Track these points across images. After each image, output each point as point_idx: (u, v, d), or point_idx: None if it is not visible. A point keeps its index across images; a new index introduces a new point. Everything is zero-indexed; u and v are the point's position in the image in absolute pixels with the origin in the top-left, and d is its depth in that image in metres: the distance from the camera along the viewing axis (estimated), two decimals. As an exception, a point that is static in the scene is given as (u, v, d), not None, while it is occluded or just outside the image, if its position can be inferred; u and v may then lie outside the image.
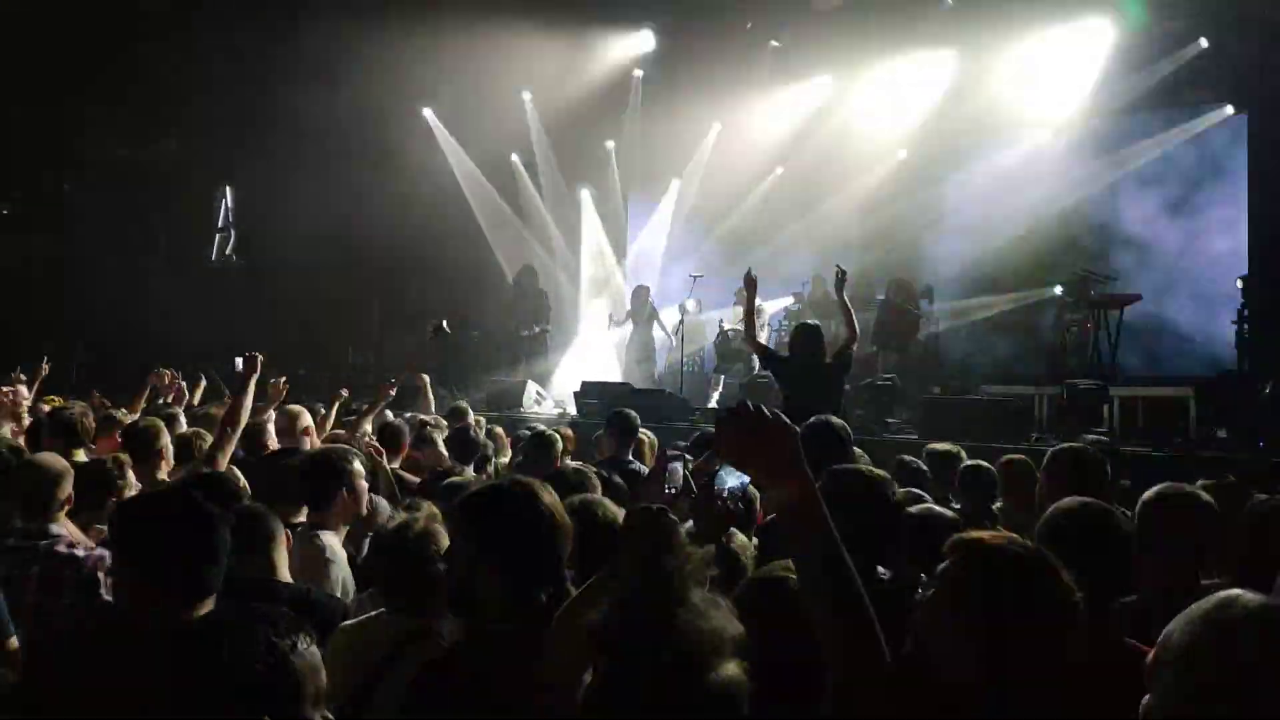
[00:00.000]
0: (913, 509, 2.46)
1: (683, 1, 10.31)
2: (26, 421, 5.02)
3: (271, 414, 4.32)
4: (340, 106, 10.40)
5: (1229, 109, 9.08)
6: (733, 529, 1.96)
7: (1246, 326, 8.17)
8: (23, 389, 5.41)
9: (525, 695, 1.35)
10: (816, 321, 5.17)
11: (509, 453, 4.70)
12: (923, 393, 8.19)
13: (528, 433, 3.87)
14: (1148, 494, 2.16)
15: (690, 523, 2.16)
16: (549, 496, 1.59)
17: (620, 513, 1.71)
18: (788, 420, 1.13)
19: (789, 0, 9.91)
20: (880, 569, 2.08)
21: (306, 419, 4.04)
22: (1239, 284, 8.48)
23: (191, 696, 1.16)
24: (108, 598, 2.46)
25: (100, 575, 2.52)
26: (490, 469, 4.30)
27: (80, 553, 2.53)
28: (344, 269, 11.85)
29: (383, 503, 3.21)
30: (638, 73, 11.29)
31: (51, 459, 2.66)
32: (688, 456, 1.82)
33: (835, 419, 3.25)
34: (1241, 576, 1.98)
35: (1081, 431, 5.90)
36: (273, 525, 2.20)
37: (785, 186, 11.86)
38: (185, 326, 10.87)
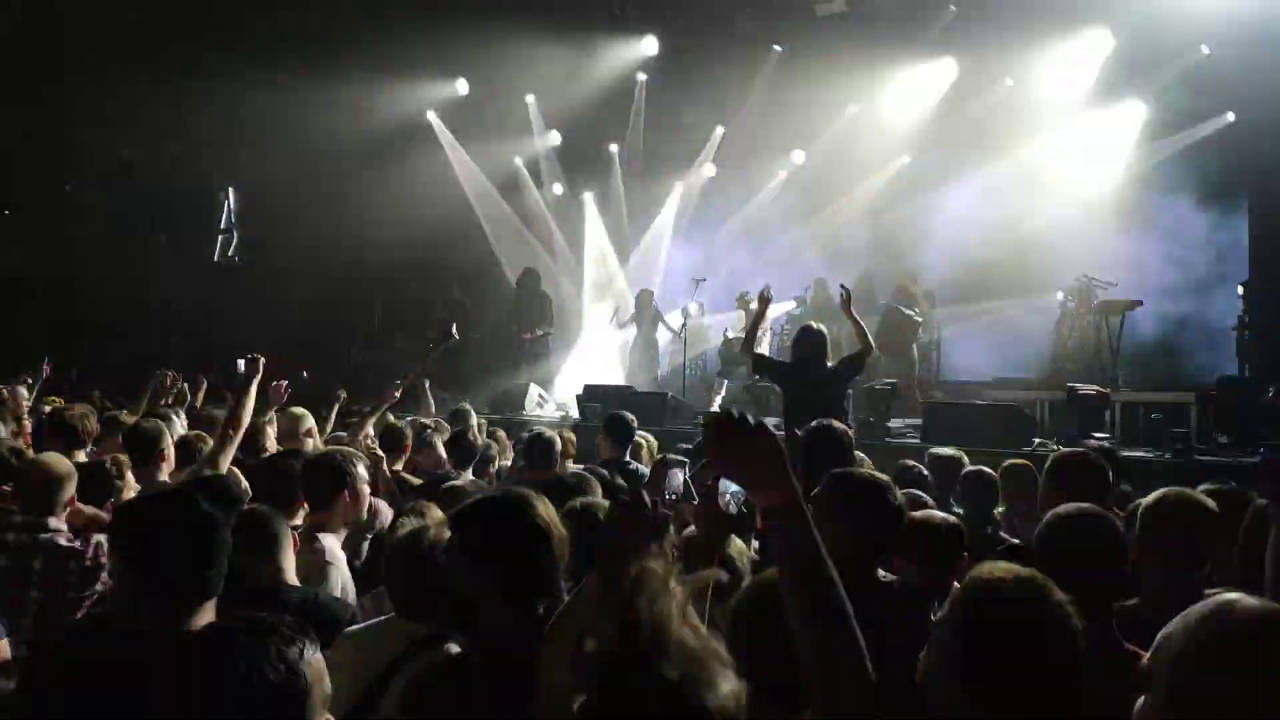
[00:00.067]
0: (915, 513, 2.46)
1: (686, 6, 10.33)
2: (27, 423, 5.03)
3: (273, 416, 4.33)
4: (344, 108, 10.43)
5: (1230, 115, 9.08)
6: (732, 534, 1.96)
7: (1248, 333, 8.18)
8: (22, 390, 5.41)
9: (522, 707, 1.35)
10: (820, 326, 5.17)
11: (511, 455, 4.71)
12: (925, 397, 8.19)
13: (534, 431, 3.85)
14: (1149, 498, 2.16)
15: (692, 528, 2.17)
16: (544, 507, 1.59)
17: None
18: (772, 428, 1.13)
19: (792, 6, 9.92)
20: (882, 572, 2.08)
21: (309, 421, 4.04)
22: (1240, 290, 8.48)
23: (205, 705, 1.16)
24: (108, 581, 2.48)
25: (101, 560, 2.54)
26: (493, 470, 4.31)
27: (80, 545, 2.55)
28: (346, 271, 11.87)
29: (382, 505, 3.21)
30: (641, 76, 11.32)
31: (56, 460, 2.69)
32: (686, 462, 1.82)
33: (837, 423, 3.25)
34: (1242, 580, 1.98)
35: (1083, 436, 5.90)
36: (279, 528, 2.20)
37: (789, 190, 11.88)
38: (187, 328, 10.89)
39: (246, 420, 3.24)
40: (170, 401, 5.39)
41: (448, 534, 1.90)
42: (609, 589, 1.28)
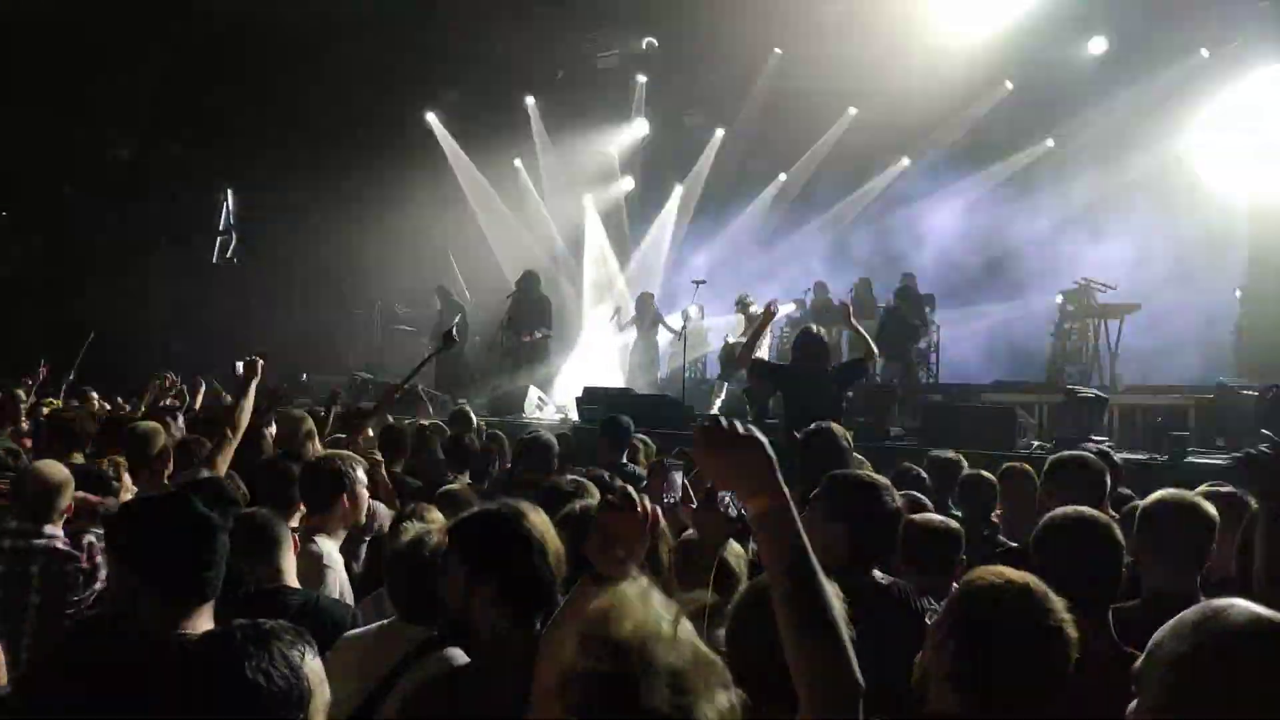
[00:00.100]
0: (913, 516, 2.46)
1: (685, 9, 10.35)
2: (26, 425, 5.03)
3: (272, 418, 4.33)
4: (344, 110, 10.44)
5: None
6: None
7: (1245, 337, 8.19)
8: (20, 393, 5.41)
9: (517, 718, 1.35)
10: (820, 330, 5.20)
11: (510, 458, 4.70)
12: (924, 400, 8.19)
13: (532, 434, 3.84)
14: (1147, 500, 2.17)
15: (690, 530, 2.17)
16: (538, 519, 1.59)
17: None
18: (759, 434, 1.13)
19: (793, 7, 9.94)
20: (880, 574, 2.08)
21: (309, 423, 4.03)
22: (1238, 294, 8.50)
23: (208, 709, 1.17)
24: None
25: (98, 561, 2.54)
26: (493, 471, 4.30)
27: (77, 549, 2.55)
28: (345, 273, 11.88)
29: (380, 507, 3.21)
30: (641, 78, 11.34)
31: (54, 468, 2.67)
32: (684, 465, 1.82)
33: (836, 425, 3.26)
34: (1241, 583, 1.99)
35: (1081, 439, 5.90)
36: (280, 531, 2.20)
37: (788, 193, 11.90)
38: (186, 330, 10.88)
39: (245, 422, 3.24)
40: (169, 403, 5.39)
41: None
42: (600, 585, 1.29)
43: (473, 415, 5.58)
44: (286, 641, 1.21)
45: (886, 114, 10.42)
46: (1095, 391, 6.83)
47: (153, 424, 3.56)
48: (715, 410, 9.02)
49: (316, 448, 3.92)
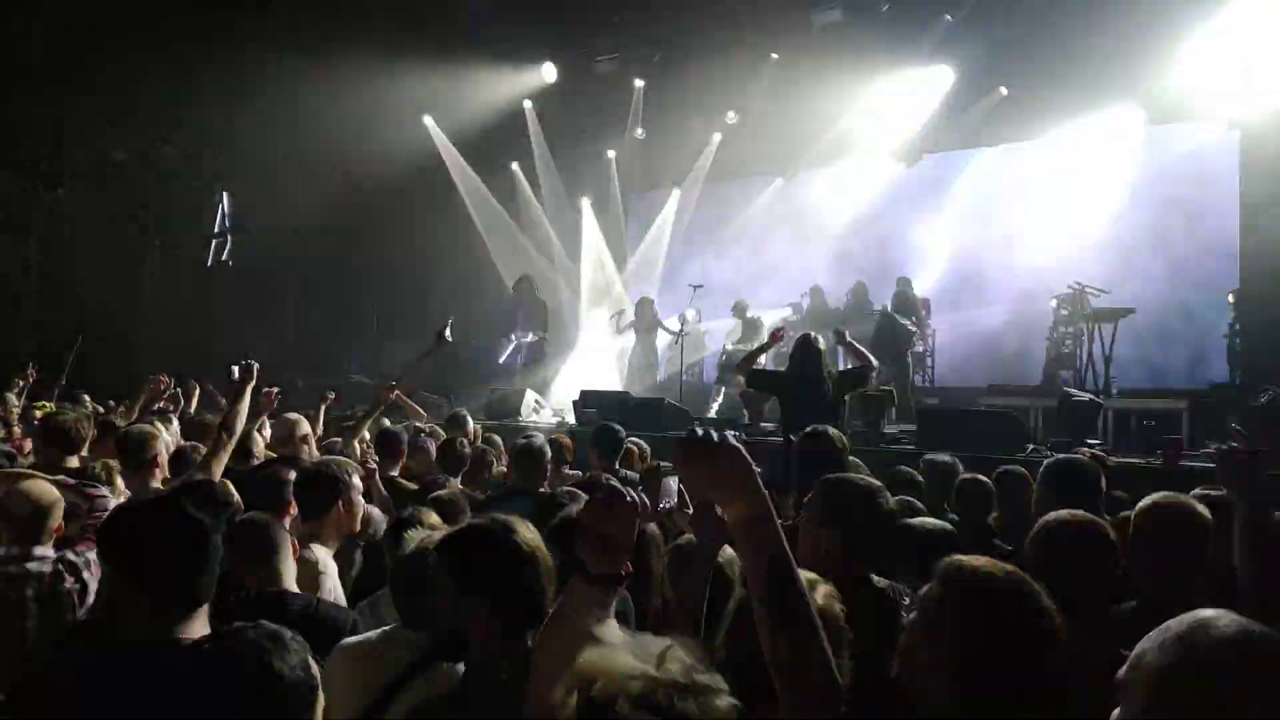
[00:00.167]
0: (910, 520, 2.47)
1: (684, 13, 10.38)
2: (17, 428, 5.00)
3: (266, 422, 4.32)
4: (340, 113, 10.43)
5: (1223, 125, 9.16)
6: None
7: (1239, 340, 8.23)
8: (11, 396, 5.38)
9: None
10: (817, 336, 5.27)
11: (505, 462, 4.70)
12: (919, 404, 8.21)
13: (525, 440, 3.84)
14: (1142, 503, 2.18)
15: (686, 535, 2.16)
16: (528, 533, 1.58)
17: None
18: (737, 443, 1.15)
19: (789, 14, 9.98)
20: (875, 578, 2.08)
21: (305, 427, 4.02)
22: (1230, 298, 8.54)
23: (215, 713, 1.17)
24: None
25: (86, 577, 2.51)
26: (488, 475, 4.30)
27: (69, 565, 2.52)
28: (341, 276, 11.86)
29: (375, 512, 3.20)
30: (639, 83, 11.36)
31: (42, 488, 2.61)
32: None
33: (832, 429, 3.26)
34: (1237, 585, 1.99)
35: (1076, 443, 5.92)
36: (280, 535, 2.19)
37: (785, 197, 11.92)
38: (180, 332, 10.84)
39: (241, 426, 3.23)
40: (161, 406, 5.36)
41: None
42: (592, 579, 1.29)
43: (469, 419, 5.57)
44: (293, 647, 1.22)
45: (882, 118, 10.46)
46: (1089, 395, 6.86)
47: (147, 427, 3.54)
48: (713, 413, 9.03)
49: (312, 451, 3.91)
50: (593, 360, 10.91)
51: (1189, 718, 0.90)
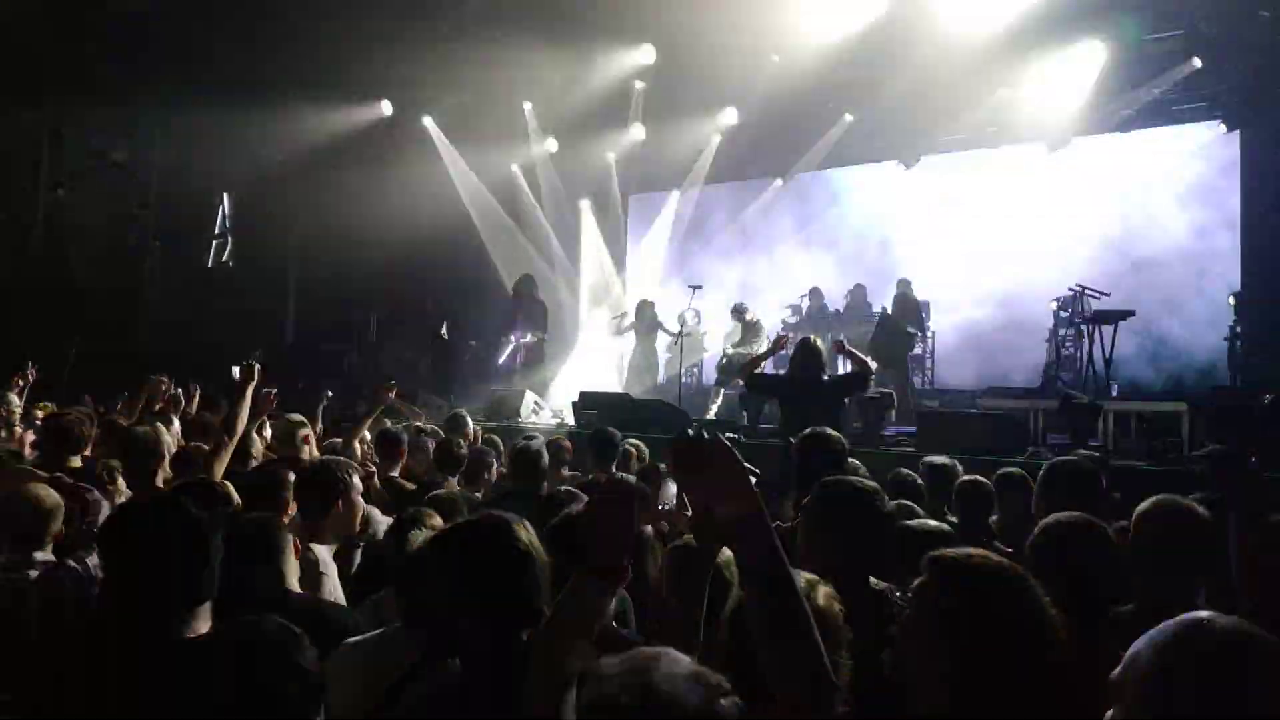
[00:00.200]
0: (909, 522, 2.47)
1: (684, 16, 10.39)
2: (18, 429, 5.00)
3: (267, 423, 4.32)
4: (341, 114, 10.45)
5: (1222, 128, 9.18)
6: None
7: (1239, 343, 8.24)
8: (13, 396, 5.38)
9: None
10: (817, 339, 5.32)
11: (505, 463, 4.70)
12: (919, 407, 8.21)
13: (523, 443, 3.85)
14: (1143, 506, 2.18)
15: (686, 537, 2.17)
16: (524, 532, 1.57)
17: None
18: (729, 445, 1.17)
19: (789, 14, 9.98)
20: (874, 580, 2.08)
21: (306, 428, 4.03)
22: (1231, 301, 8.55)
23: (224, 709, 1.17)
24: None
25: (93, 577, 2.51)
26: (488, 476, 4.30)
27: (71, 562, 2.52)
28: (342, 278, 11.85)
29: (376, 512, 3.21)
30: (639, 84, 11.37)
31: (44, 493, 2.61)
32: None
33: (832, 431, 3.27)
34: (1236, 589, 2.00)
35: (1076, 445, 5.92)
36: (282, 536, 2.20)
37: (785, 199, 11.94)
38: (180, 333, 10.83)
39: (242, 426, 3.23)
40: (161, 408, 5.36)
41: None
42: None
43: (468, 420, 5.58)
44: (302, 644, 1.24)
45: (882, 120, 10.47)
46: (1089, 397, 6.86)
47: (149, 428, 3.54)
48: (712, 415, 9.04)
49: (313, 452, 3.92)
50: (592, 361, 10.92)
51: (1182, 718, 0.90)
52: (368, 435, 4.55)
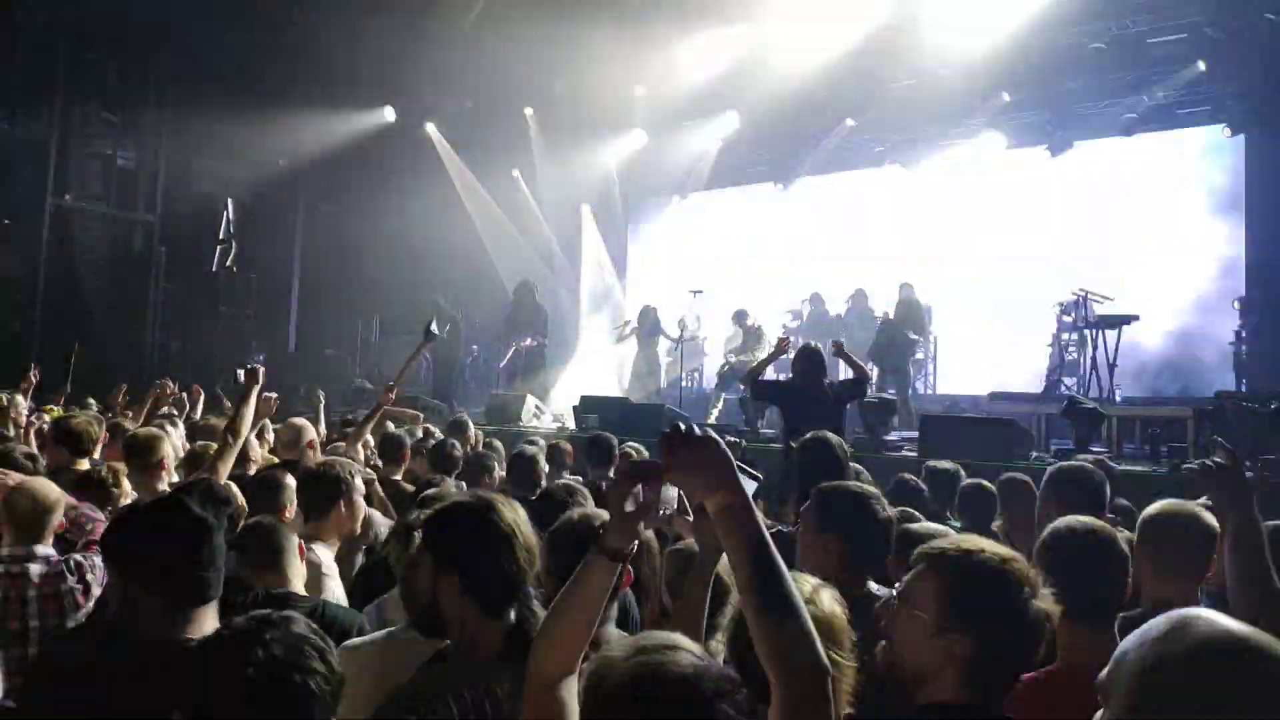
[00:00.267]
0: (911, 525, 2.46)
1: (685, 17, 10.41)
2: (25, 429, 5.01)
3: (269, 426, 4.33)
4: (345, 120, 10.49)
5: (1227, 131, 9.17)
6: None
7: (1245, 347, 8.21)
8: (20, 398, 5.39)
9: (482, 707, 1.36)
10: (817, 344, 5.36)
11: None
12: (922, 411, 8.20)
13: (526, 446, 3.88)
14: (1148, 510, 2.18)
15: (686, 540, 2.16)
16: (509, 512, 1.57)
17: None
18: (715, 435, 1.21)
19: (784, 19, 10.00)
20: (874, 584, 2.08)
21: (311, 432, 4.04)
22: (1236, 305, 8.52)
23: (238, 706, 1.18)
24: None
25: (89, 579, 2.52)
26: (489, 479, 4.30)
27: (71, 563, 2.53)
28: (344, 282, 11.89)
29: (377, 516, 3.21)
30: (639, 90, 11.41)
31: (45, 486, 2.62)
32: None
33: (833, 435, 3.27)
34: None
35: (1080, 450, 5.91)
36: (287, 537, 2.20)
37: (786, 203, 11.95)
38: (184, 338, 10.88)
39: (247, 429, 3.24)
40: (168, 411, 5.38)
41: None
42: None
43: (470, 424, 5.60)
44: (318, 643, 1.26)
45: (882, 122, 10.49)
46: (1093, 402, 6.84)
47: (154, 431, 3.55)
48: (713, 419, 9.05)
49: (317, 456, 3.92)
50: (592, 365, 10.93)
51: (1169, 717, 0.89)
52: (370, 439, 4.55)
